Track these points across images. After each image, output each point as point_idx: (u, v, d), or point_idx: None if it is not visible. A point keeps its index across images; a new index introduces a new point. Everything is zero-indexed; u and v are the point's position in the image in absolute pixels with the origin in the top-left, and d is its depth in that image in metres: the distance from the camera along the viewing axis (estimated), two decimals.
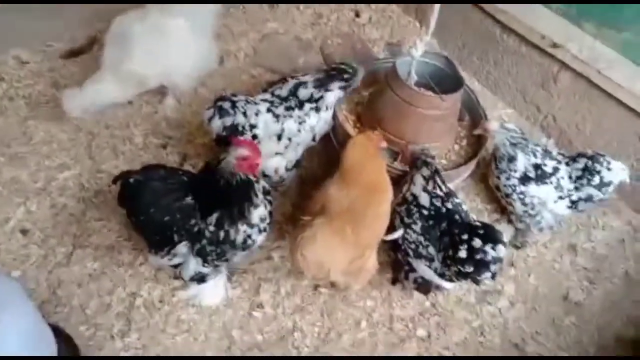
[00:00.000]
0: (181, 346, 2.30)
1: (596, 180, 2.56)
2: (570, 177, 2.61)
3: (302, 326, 2.41)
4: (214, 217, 2.10)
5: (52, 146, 2.89)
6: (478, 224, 2.22)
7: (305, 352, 2.35)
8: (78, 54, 3.39)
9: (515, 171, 2.60)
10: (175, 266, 2.27)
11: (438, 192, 2.33)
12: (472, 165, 2.80)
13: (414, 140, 2.70)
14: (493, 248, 2.09)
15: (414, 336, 2.44)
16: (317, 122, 2.63)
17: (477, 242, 2.11)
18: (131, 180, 2.12)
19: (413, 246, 2.31)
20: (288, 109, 2.56)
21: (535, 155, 2.60)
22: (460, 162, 2.82)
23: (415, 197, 2.36)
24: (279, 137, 2.55)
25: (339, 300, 2.50)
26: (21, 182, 2.74)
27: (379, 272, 2.47)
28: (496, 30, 3.39)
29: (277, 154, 2.60)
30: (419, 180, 2.39)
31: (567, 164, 2.64)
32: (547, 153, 2.65)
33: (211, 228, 2.10)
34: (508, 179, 2.62)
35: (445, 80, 2.81)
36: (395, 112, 2.70)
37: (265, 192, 2.20)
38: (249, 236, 2.14)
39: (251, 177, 2.11)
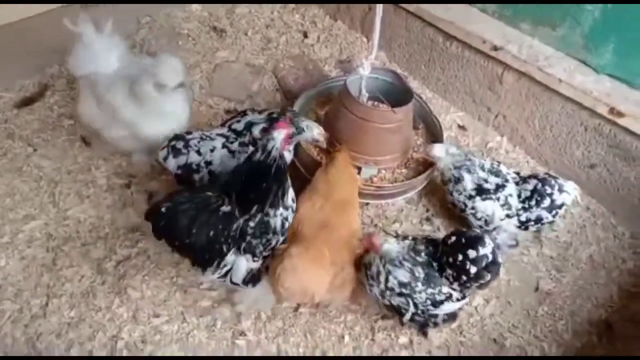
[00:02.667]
0: None
1: (546, 202, 2.61)
2: (519, 197, 2.65)
3: (287, 349, 2.43)
4: (254, 210, 2.16)
5: (14, 198, 2.86)
6: (453, 238, 2.24)
7: None
8: (31, 102, 3.36)
9: (464, 189, 2.66)
10: (224, 276, 2.29)
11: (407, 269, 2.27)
12: (430, 172, 2.90)
13: (375, 154, 2.79)
14: (484, 246, 2.15)
15: (396, 344, 2.48)
16: None
17: (472, 253, 2.16)
18: (163, 209, 2.13)
19: (430, 302, 2.26)
20: (242, 144, 2.58)
21: (482, 171, 2.66)
22: (420, 169, 2.91)
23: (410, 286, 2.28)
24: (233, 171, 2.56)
25: (320, 318, 2.53)
26: None
27: (356, 284, 2.52)
28: (439, 38, 3.52)
29: None
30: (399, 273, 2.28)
31: (517, 183, 2.68)
32: (493, 171, 2.68)
33: (252, 224, 2.16)
34: (460, 195, 2.69)
35: (395, 93, 2.91)
36: (352, 129, 2.77)
37: None
38: (286, 218, 2.23)
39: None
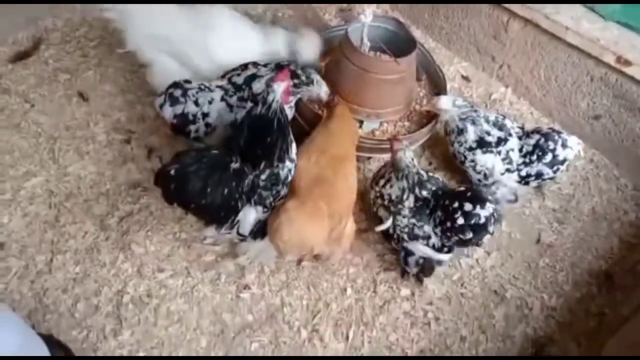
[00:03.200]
0: (174, 337, 2.33)
1: (548, 157, 2.56)
2: (520, 151, 2.60)
3: (290, 301, 2.46)
4: (262, 166, 2.18)
5: (14, 155, 2.84)
6: (462, 188, 2.30)
7: (296, 326, 2.41)
8: (26, 57, 3.28)
9: (466, 141, 2.63)
10: (231, 227, 2.27)
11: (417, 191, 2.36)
12: (433, 125, 2.85)
13: (376, 107, 2.75)
14: (482, 208, 2.17)
15: (398, 296, 2.52)
16: None
17: (468, 206, 2.19)
18: (172, 172, 2.03)
19: (407, 230, 2.36)
20: (241, 99, 2.53)
21: (487, 124, 2.61)
22: (423, 122, 2.87)
23: (400, 198, 2.38)
24: (233, 126, 2.53)
25: (322, 271, 2.56)
26: None
27: (358, 238, 2.55)
28: None
29: None
30: (397, 189, 2.40)
31: (520, 137, 2.63)
32: (497, 124, 2.63)
33: (263, 177, 2.18)
34: (460, 146, 2.67)
35: (398, 43, 2.84)
36: (353, 80, 2.72)
37: None
38: (290, 170, 2.24)
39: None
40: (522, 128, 2.70)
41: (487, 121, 2.63)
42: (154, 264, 2.52)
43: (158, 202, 2.69)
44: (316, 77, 2.56)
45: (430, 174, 2.45)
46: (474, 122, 2.62)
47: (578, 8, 2.95)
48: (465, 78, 3.45)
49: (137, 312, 2.39)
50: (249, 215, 2.25)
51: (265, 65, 2.64)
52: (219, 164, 2.14)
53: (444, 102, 2.67)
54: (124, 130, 3.00)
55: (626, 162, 3.04)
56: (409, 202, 2.35)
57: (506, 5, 3.08)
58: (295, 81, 2.48)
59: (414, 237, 2.36)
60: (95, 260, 2.52)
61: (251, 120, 2.22)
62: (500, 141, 2.59)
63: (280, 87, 2.16)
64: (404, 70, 2.70)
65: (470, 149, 2.63)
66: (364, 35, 2.80)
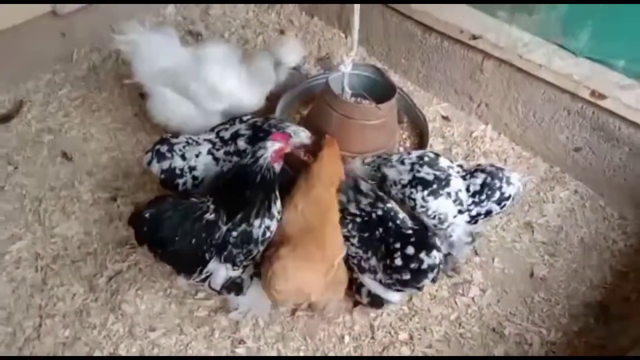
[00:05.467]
0: None
1: (496, 195, 2.42)
2: (468, 191, 2.46)
3: (287, 353, 2.41)
4: (237, 219, 2.15)
5: None
6: (409, 230, 2.26)
7: None
8: (8, 119, 3.28)
9: (397, 183, 2.46)
10: (203, 280, 2.26)
11: (362, 199, 2.38)
12: None
13: (361, 151, 2.77)
14: (427, 255, 2.15)
15: (397, 341, 2.48)
16: None
17: (410, 250, 2.16)
18: (146, 215, 2.09)
19: (355, 261, 2.35)
20: (227, 153, 2.55)
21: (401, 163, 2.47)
22: None
23: (345, 207, 2.38)
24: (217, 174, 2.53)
25: (318, 320, 2.52)
26: None
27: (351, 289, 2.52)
28: (417, 30, 3.50)
29: None
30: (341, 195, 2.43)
31: (463, 177, 2.49)
32: (431, 163, 2.45)
33: (234, 233, 2.14)
34: (401, 192, 2.46)
35: (378, 89, 2.90)
36: (337, 127, 2.75)
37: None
38: (268, 227, 2.19)
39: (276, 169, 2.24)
40: (461, 167, 2.55)
41: (402, 162, 2.48)
42: (145, 323, 2.46)
43: (147, 259, 2.66)
44: (291, 129, 2.57)
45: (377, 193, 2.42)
46: (386, 165, 2.51)
47: (549, 46, 3.04)
48: (446, 118, 3.51)
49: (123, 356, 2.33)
50: (220, 272, 2.23)
51: (242, 121, 2.68)
52: (193, 212, 2.14)
53: (355, 164, 2.60)
54: (110, 188, 2.97)
55: (610, 192, 3.08)
56: (349, 208, 2.35)
57: (479, 46, 3.17)
58: None
59: (361, 270, 2.35)
60: (85, 322, 2.46)
61: (236, 170, 2.23)
62: (441, 181, 2.40)
63: (273, 146, 2.18)
64: (386, 115, 2.75)
65: (405, 186, 2.43)
66: (345, 83, 2.85)
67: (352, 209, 2.37)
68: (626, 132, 2.84)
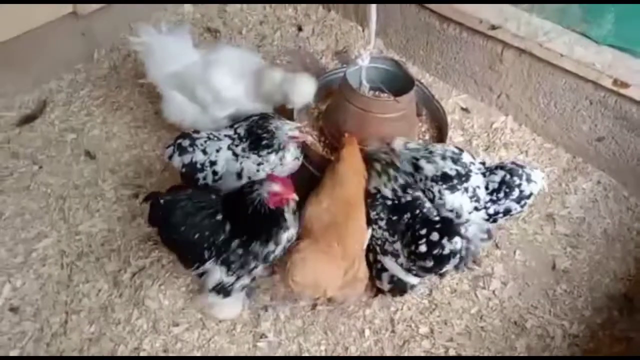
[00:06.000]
0: None
1: (515, 193, 2.39)
2: (486, 188, 2.43)
3: (308, 347, 2.43)
4: (244, 237, 2.20)
5: (24, 217, 2.85)
6: (436, 217, 2.28)
7: None
8: (32, 119, 3.34)
9: (426, 177, 2.43)
10: (199, 275, 2.34)
11: (394, 184, 2.40)
12: None
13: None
14: (449, 241, 2.14)
15: (417, 335, 2.49)
16: (276, 165, 2.58)
17: (435, 236, 2.17)
18: (162, 201, 2.20)
19: (380, 242, 2.37)
20: (245, 150, 2.56)
21: (443, 160, 2.42)
22: None
23: (377, 190, 2.42)
24: (239, 176, 2.55)
25: (338, 314, 2.53)
26: (0, 259, 2.69)
27: (372, 280, 2.52)
28: (435, 21, 3.48)
29: None
30: (374, 176, 2.46)
31: (483, 174, 2.46)
32: (454, 158, 2.43)
33: (237, 241, 2.20)
34: (425, 184, 2.45)
35: (397, 82, 2.89)
36: (355, 121, 2.75)
37: (295, 211, 2.27)
38: (272, 251, 2.23)
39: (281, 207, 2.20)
40: (483, 164, 2.53)
41: (444, 158, 2.44)
42: (168, 318, 2.51)
43: (169, 255, 2.69)
44: (272, 125, 2.54)
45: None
46: (427, 160, 2.45)
47: (570, 34, 3.00)
48: (465, 110, 3.48)
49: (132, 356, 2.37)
50: (214, 273, 2.27)
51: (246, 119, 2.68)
52: (206, 208, 2.21)
53: (398, 144, 2.55)
54: (132, 186, 3.02)
55: (633, 181, 3.03)
56: (384, 190, 2.38)
57: (499, 36, 3.13)
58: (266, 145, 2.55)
59: (384, 252, 2.36)
60: (109, 318, 2.50)
61: (240, 189, 2.25)
62: (461, 176, 2.40)
63: (269, 186, 2.12)
64: (404, 108, 2.74)
65: (433, 180, 2.43)
66: (363, 77, 2.84)
67: (386, 191, 2.39)
68: None
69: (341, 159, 2.48)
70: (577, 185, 3.07)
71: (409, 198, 2.36)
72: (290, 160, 2.61)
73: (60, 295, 2.58)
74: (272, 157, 2.56)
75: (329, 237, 2.23)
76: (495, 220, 2.47)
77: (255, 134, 2.56)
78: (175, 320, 2.50)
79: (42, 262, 2.70)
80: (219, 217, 2.20)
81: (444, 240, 2.14)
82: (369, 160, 2.53)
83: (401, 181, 2.40)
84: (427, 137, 3.01)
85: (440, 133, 2.99)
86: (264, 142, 2.52)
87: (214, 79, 2.80)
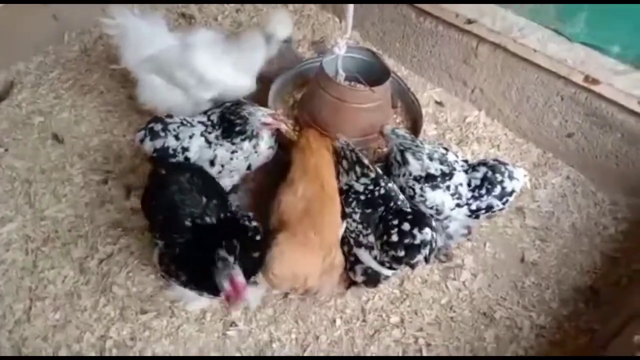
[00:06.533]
0: None
1: (497, 190, 2.41)
2: (469, 185, 2.46)
3: (279, 336, 2.42)
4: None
5: None
6: (408, 209, 2.30)
7: None
8: None
9: (410, 173, 2.47)
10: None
11: (364, 179, 2.40)
12: None
13: (354, 134, 2.76)
14: (420, 231, 2.17)
15: (388, 324, 2.49)
16: (250, 154, 2.56)
17: (406, 226, 2.19)
18: (162, 172, 2.30)
19: (354, 235, 2.38)
20: (217, 137, 2.52)
21: (430, 159, 2.46)
22: None
23: (349, 186, 2.43)
24: (212, 163, 2.51)
25: (310, 303, 2.52)
26: None
27: (345, 271, 2.51)
28: (412, 14, 3.49)
29: None
30: (343, 173, 2.47)
31: (465, 171, 2.48)
32: (440, 159, 2.46)
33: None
34: (407, 181, 2.50)
35: (372, 72, 2.88)
36: (330, 110, 2.74)
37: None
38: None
39: None
40: (466, 161, 2.56)
41: (431, 158, 2.46)
42: (136, 306, 2.46)
43: (138, 242, 2.65)
44: (246, 111, 2.50)
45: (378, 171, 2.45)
46: (414, 156, 2.48)
47: (544, 30, 3.03)
48: (439, 103, 3.50)
49: (121, 356, 2.32)
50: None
51: (219, 106, 2.65)
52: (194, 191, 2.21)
53: (387, 128, 2.59)
54: (101, 171, 2.95)
55: (601, 177, 3.09)
56: (355, 186, 2.40)
57: (474, 31, 3.16)
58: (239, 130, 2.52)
59: (358, 245, 2.37)
60: (75, 305, 2.45)
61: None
62: (445, 175, 2.44)
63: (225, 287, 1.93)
64: (380, 99, 2.74)
65: (415, 179, 2.47)
66: (339, 66, 2.83)
67: (357, 186, 2.40)
68: (619, 117, 2.84)
69: (306, 148, 2.46)
70: (546, 180, 3.12)
71: (382, 191, 2.37)
72: (264, 148, 2.59)
73: (25, 281, 2.51)
74: (246, 145, 2.53)
75: (305, 227, 2.22)
76: (477, 217, 2.51)
77: (227, 120, 2.52)
78: (144, 307, 2.46)
79: (5, 247, 2.62)
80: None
81: (415, 230, 2.17)
82: (337, 156, 2.54)
83: (372, 175, 2.40)
84: (401, 128, 3.01)
85: (414, 125, 2.99)
86: (237, 128, 2.49)
87: (197, 62, 2.74)
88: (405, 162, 2.47)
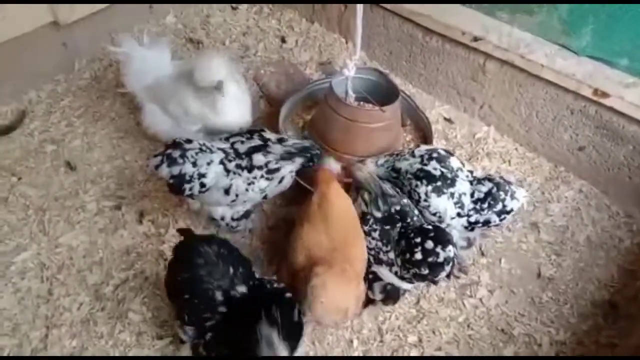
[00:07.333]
0: None
1: (498, 206, 2.46)
2: (472, 196, 2.49)
3: None
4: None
5: (2, 230, 2.78)
6: (429, 226, 2.31)
7: None
8: (10, 130, 3.27)
9: (406, 171, 2.52)
10: None
11: (384, 207, 2.40)
12: None
13: (364, 154, 2.77)
14: (443, 249, 2.18)
15: (405, 344, 2.47)
16: (267, 187, 2.53)
17: (429, 244, 2.20)
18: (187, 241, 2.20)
19: (373, 253, 2.37)
20: (239, 167, 2.49)
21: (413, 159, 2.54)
22: None
23: (369, 212, 2.42)
24: (227, 192, 2.49)
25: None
26: None
27: None
28: (418, 33, 3.51)
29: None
30: (362, 204, 2.45)
31: (470, 182, 2.52)
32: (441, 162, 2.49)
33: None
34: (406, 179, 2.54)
35: (381, 92, 2.91)
36: (341, 131, 2.76)
37: None
38: None
39: None
40: (471, 172, 2.58)
41: (413, 155, 2.54)
42: (152, 331, 2.45)
43: (152, 267, 2.66)
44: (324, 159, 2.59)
45: (395, 191, 2.46)
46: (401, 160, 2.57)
47: (551, 45, 3.04)
48: (448, 120, 3.51)
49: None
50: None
51: (277, 142, 2.58)
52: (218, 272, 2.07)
53: (370, 166, 2.60)
54: (114, 197, 2.96)
55: (615, 190, 3.08)
56: (375, 214, 2.38)
57: (481, 48, 3.18)
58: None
59: (378, 262, 2.37)
60: (92, 332, 2.44)
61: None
62: (447, 179, 2.45)
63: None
64: (390, 118, 2.76)
65: (416, 177, 2.49)
66: (349, 86, 2.86)
67: (376, 214, 2.39)
68: (630, 129, 2.84)
69: (328, 194, 2.41)
70: (559, 194, 3.11)
71: (397, 208, 2.38)
72: (288, 181, 2.59)
73: (40, 309, 2.51)
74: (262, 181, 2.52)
75: (338, 260, 2.20)
76: (472, 229, 2.53)
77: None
78: (159, 333, 2.45)
79: (21, 275, 2.62)
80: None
81: (438, 249, 2.18)
82: (357, 188, 2.52)
83: (390, 201, 2.41)
84: (411, 146, 3.03)
85: (425, 142, 3.01)
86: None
87: (181, 94, 2.78)
88: (398, 171, 2.54)
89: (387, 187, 2.45)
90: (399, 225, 2.34)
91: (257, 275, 2.20)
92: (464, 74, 3.41)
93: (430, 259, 2.18)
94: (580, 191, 3.13)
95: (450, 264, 2.19)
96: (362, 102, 3.01)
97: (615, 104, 2.81)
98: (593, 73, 2.90)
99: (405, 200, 2.43)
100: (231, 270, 2.07)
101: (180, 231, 2.29)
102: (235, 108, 2.81)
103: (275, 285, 2.15)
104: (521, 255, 2.83)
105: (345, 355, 2.43)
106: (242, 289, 2.06)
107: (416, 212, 2.41)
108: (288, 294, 2.09)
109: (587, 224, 2.98)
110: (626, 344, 2.47)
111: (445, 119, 3.52)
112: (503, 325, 2.56)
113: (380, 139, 2.79)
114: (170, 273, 2.19)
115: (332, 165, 2.57)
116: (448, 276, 2.25)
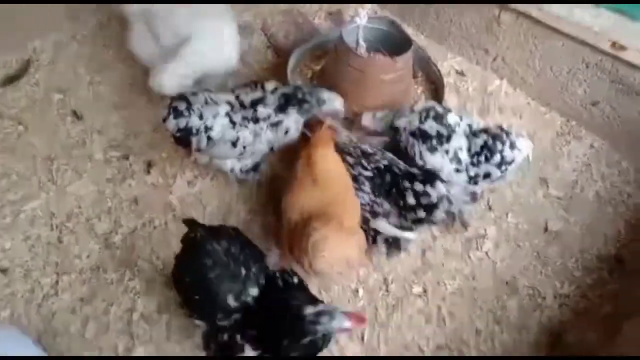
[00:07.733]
0: (189, 351, 2.30)
1: (496, 159, 2.41)
2: (469, 150, 2.45)
3: None
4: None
5: (11, 179, 2.80)
6: (416, 170, 2.33)
7: None
8: (16, 79, 3.24)
9: (404, 128, 2.50)
10: None
11: (369, 165, 2.39)
12: None
13: (375, 106, 2.73)
14: (432, 187, 2.21)
15: (410, 294, 2.50)
16: (274, 137, 2.52)
17: (418, 186, 2.23)
18: (198, 236, 2.01)
19: (368, 208, 2.36)
20: (245, 118, 2.45)
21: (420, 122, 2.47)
22: None
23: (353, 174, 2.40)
24: (234, 144, 2.47)
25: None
26: None
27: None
28: None
29: None
30: (349, 168, 2.42)
31: (467, 136, 2.47)
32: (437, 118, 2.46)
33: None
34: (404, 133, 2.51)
35: (393, 42, 2.84)
36: (351, 81, 2.71)
37: None
38: None
39: None
40: (470, 126, 2.52)
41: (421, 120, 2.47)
42: (162, 280, 2.48)
43: (162, 217, 2.67)
44: (325, 95, 2.56)
45: (376, 149, 2.45)
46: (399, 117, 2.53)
47: None
48: (460, 73, 3.44)
49: (148, 328, 2.36)
50: None
51: (273, 91, 2.55)
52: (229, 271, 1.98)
53: (366, 119, 2.61)
54: (122, 147, 2.96)
55: (626, 146, 3.03)
56: (363, 173, 2.37)
57: None
58: (306, 106, 2.52)
59: (374, 215, 2.37)
60: (101, 279, 2.48)
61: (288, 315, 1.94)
62: (441, 137, 2.43)
63: (341, 323, 1.86)
64: (401, 69, 2.70)
65: (413, 134, 2.46)
66: (360, 36, 2.79)
67: (365, 172, 2.38)
68: None
69: (313, 155, 2.36)
70: (570, 149, 3.07)
71: (385, 162, 2.37)
72: (294, 132, 2.57)
73: (51, 256, 2.55)
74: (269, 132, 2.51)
75: (335, 214, 2.18)
76: (476, 183, 2.51)
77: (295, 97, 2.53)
78: (169, 282, 2.46)
79: (30, 223, 2.65)
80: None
81: (428, 188, 2.21)
82: (340, 152, 2.46)
83: (374, 158, 2.40)
84: (423, 98, 2.99)
85: (436, 95, 2.97)
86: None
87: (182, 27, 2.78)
88: (397, 129, 2.50)
89: (367, 147, 2.42)
90: (388, 175, 2.34)
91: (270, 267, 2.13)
92: (478, 25, 3.32)
93: (423, 201, 2.21)
94: (592, 146, 3.10)
95: (445, 201, 2.21)
96: (372, 53, 2.95)
97: (633, 57, 2.72)
98: (612, 25, 2.81)
99: (390, 156, 2.40)
100: (243, 271, 1.98)
101: (186, 222, 2.11)
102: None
103: (290, 278, 2.10)
104: (529, 210, 2.82)
105: (351, 304, 2.46)
106: (254, 291, 1.99)
107: (402, 164, 2.39)
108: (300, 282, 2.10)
109: (596, 179, 2.96)
110: (629, 297, 2.48)
111: (457, 71, 3.45)
112: (508, 278, 2.58)
113: (392, 90, 2.74)
114: (177, 269, 2.08)
115: (337, 103, 2.56)
116: (449, 220, 2.28)
